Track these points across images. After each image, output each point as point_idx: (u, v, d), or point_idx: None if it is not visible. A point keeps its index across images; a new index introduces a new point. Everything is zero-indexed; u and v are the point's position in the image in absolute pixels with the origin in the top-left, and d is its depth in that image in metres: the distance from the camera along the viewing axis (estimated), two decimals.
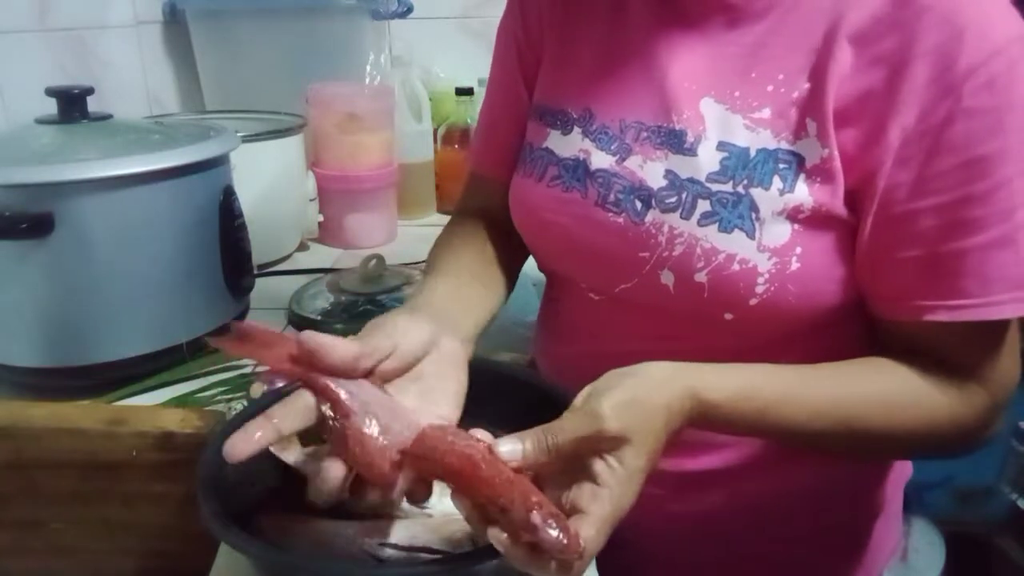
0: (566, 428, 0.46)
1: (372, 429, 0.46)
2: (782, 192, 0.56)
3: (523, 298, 0.97)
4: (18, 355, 0.79)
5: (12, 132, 0.95)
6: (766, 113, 0.58)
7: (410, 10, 1.39)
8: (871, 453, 0.67)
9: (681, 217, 0.59)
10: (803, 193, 0.56)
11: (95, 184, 0.75)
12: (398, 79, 1.36)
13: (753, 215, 0.57)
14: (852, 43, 0.55)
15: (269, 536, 0.52)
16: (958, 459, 0.66)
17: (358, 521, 0.53)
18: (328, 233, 1.29)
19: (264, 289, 1.03)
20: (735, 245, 0.57)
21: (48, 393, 0.78)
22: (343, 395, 0.47)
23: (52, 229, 0.74)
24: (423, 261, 0.73)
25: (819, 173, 0.56)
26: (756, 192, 0.57)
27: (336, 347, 0.47)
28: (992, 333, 0.57)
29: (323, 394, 0.47)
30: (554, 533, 0.41)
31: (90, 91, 0.85)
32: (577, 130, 0.66)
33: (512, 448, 0.45)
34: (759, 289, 0.57)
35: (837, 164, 0.56)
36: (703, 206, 0.58)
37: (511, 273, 0.74)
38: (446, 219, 0.81)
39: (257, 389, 0.74)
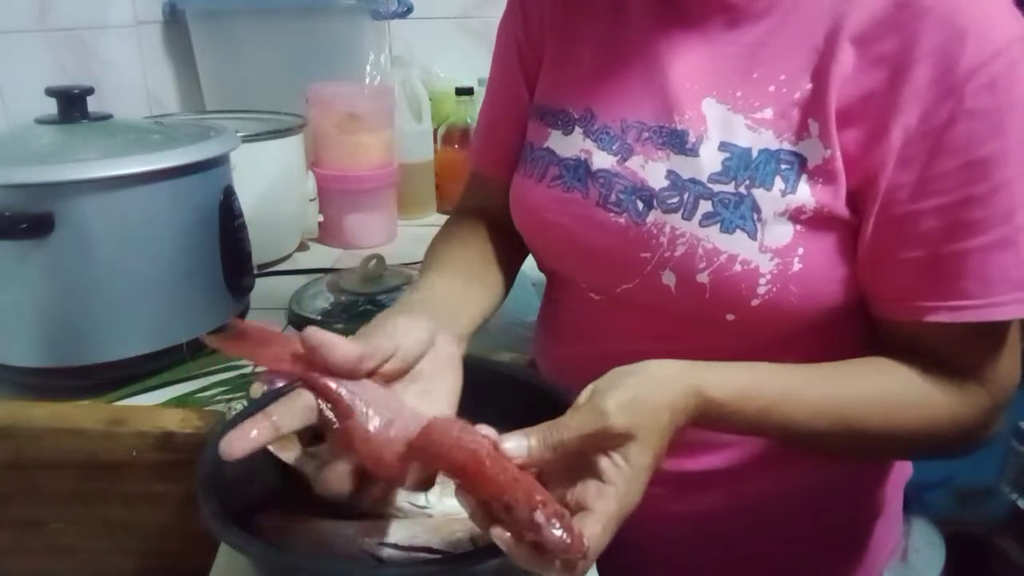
0: (571, 425, 0.46)
1: (376, 424, 0.46)
2: (784, 193, 0.56)
3: (523, 298, 0.97)
4: (18, 355, 0.79)
5: (12, 132, 0.95)
6: (768, 113, 0.58)
7: (410, 10, 1.39)
8: (872, 453, 0.67)
9: (683, 218, 0.59)
10: (805, 194, 0.56)
11: (95, 184, 0.75)
12: (398, 79, 1.36)
13: (755, 216, 0.57)
14: (854, 44, 0.55)
15: (269, 536, 0.51)
16: (958, 459, 0.66)
17: (358, 521, 0.53)
18: (328, 233, 1.29)
19: (264, 289, 1.03)
20: (737, 246, 0.57)
21: (48, 393, 0.78)
22: (344, 393, 0.47)
23: (52, 229, 0.74)
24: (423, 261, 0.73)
25: (821, 174, 0.56)
26: (758, 193, 0.57)
27: (338, 346, 0.47)
28: (993, 334, 0.57)
29: (323, 394, 0.47)
30: (558, 532, 0.40)
31: (90, 91, 0.85)
32: (578, 130, 0.66)
33: (517, 444, 0.45)
34: (761, 290, 0.57)
35: (839, 165, 0.56)
36: (705, 207, 0.58)
37: (509, 273, 0.74)
38: (446, 219, 0.81)
39: (257, 389, 0.74)
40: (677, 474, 0.66)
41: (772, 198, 0.56)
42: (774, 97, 0.58)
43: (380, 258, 1.06)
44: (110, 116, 0.86)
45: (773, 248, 0.56)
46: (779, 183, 0.57)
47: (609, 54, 0.66)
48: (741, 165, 0.58)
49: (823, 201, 0.56)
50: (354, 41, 1.39)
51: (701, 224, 0.58)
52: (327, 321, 0.95)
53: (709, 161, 0.58)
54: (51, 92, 0.83)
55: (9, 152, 0.80)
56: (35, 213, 0.73)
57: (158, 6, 1.40)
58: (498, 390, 0.58)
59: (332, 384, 0.47)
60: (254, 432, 0.44)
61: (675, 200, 0.59)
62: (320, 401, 0.47)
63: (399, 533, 0.53)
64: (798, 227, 0.57)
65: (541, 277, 0.77)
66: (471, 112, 1.38)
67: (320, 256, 1.25)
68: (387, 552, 0.52)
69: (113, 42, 1.33)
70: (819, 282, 0.58)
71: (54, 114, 0.83)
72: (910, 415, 0.56)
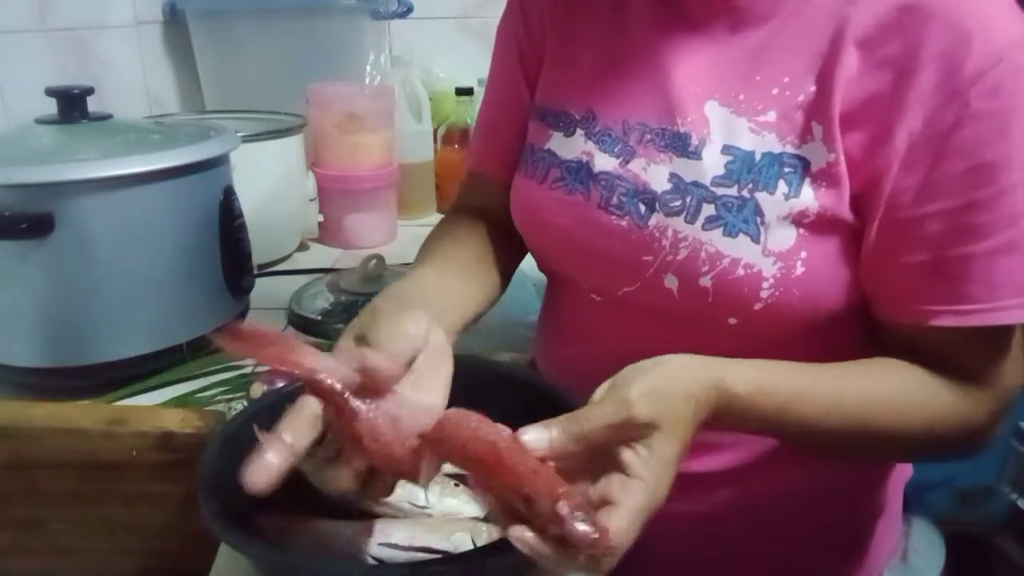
0: (594, 415, 0.44)
1: (383, 420, 0.45)
2: (787, 197, 0.56)
3: (523, 298, 0.97)
4: (18, 355, 0.79)
5: (12, 132, 0.95)
6: (771, 116, 0.57)
7: (410, 10, 1.39)
8: (881, 452, 0.67)
9: (685, 221, 0.59)
10: (808, 197, 0.56)
11: (95, 184, 0.75)
12: (398, 79, 1.36)
13: (758, 219, 0.56)
14: (858, 47, 0.55)
15: (269, 536, 0.52)
16: (959, 459, 0.66)
17: (358, 521, 0.53)
18: (328, 233, 1.29)
19: (264, 289, 1.03)
20: (740, 249, 0.57)
21: (48, 393, 0.78)
22: (347, 394, 0.46)
23: (52, 229, 0.74)
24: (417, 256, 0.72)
25: (825, 177, 0.56)
26: (761, 196, 0.57)
27: (383, 368, 0.46)
28: (998, 338, 0.56)
29: (328, 396, 0.46)
30: (583, 525, 0.38)
31: (90, 91, 0.85)
32: (580, 132, 0.66)
33: (538, 436, 0.43)
34: (764, 294, 0.57)
35: (843, 168, 0.55)
36: (707, 210, 0.58)
37: (506, 273, 0.74)
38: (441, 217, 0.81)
39: (257, 389, 0.74)
40: (678, 475, 0.66)
41: (775, 202, 0.56)
42: (777, 100, 0.57)
43: (380, 258, 1.06)
44: (110, 116, 0.87)
45: (776, 252, 0.56)
46: (782, 187, 0.56)
47: (610, 55, 0.66)
48: (744, 168, 0.57)
49: (826, 205, 0.56)
50: (354, 41, 1.39)
51: (704, 228, 0.58)
52: (327, 321, 0.95)
53: (712, 164, 0.58)
54: (51, 92, 0.83)
55: (9, 152, 0.80)
56: (35, 213, 0.73)
57: (158, 6, 1.40)
58: (498, 390, 0.58)
59: (337, 386, 0.46)
60: (274, 459, 0.42)
61: (678, 203, 0.59)
62: (324, 404, 0.46)
63: (399, 533, 0.53)
64: (801, 231, 0.56)
65: (541, 277, 0.77)
66: (471, 112, 1.38)
67: (320, 256, 1.25)
68: (387, 552, 0.52)
69: (113, 42, 1.34)
70: (822, 285, 0.57)
71: (54, 114, 0.83)
72: (920, 414, 0.56)
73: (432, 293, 0.61)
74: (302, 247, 1.27)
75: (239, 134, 0.96)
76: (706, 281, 0.58)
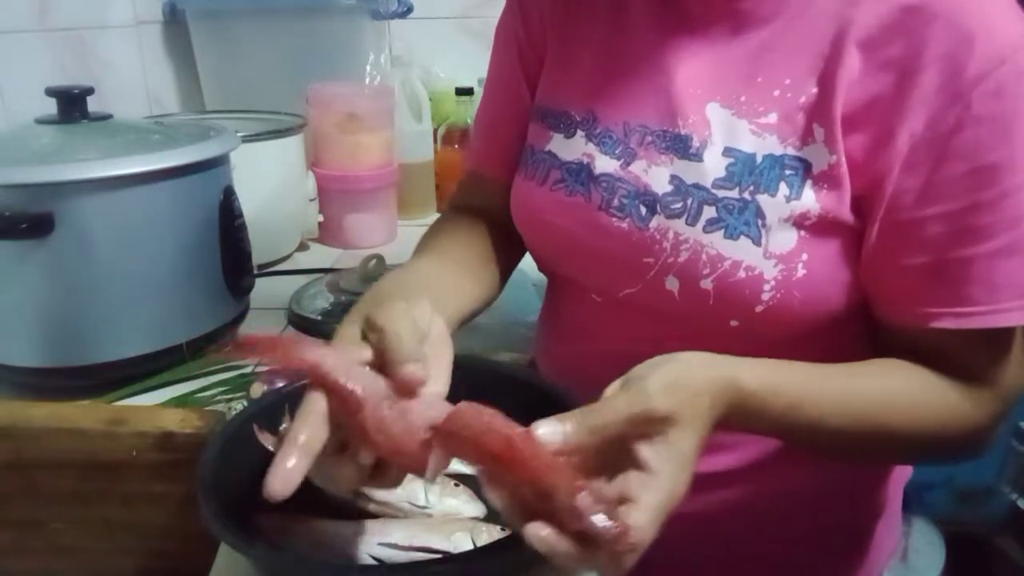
0: (610, 408, 0.43)
1: (391, 413, 0.44)
2: (788, 199, 0.56)
3: (523, 298, 0.97)
4: (18, 355, 0.79)
5: (12, 132, 0.95)
6: (772, 118, 0.57)
7: (410, 10, 1.39)
8: (885, 454, 0.66)
9: (686, 223, 0.58)
10: (810, 200, 0.56)
11: (95, 184, 0.75)
12: (398, 79, 1.36)
13: (759, 222, 0.56)
14: (860, 48, 0.54)
15: (269, 536, 0.52)
16: (960, 462, 0.66)
17: (358, 521, 0.53)
18: (328, 233, 1.29)
19: (264, 289, 1.03)
20: (741, 252, 0.57)
21: (48, 393, 0.78)
22: (354, 387, 0.45)
23: (52, 229, 0.74)
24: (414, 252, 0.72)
25: (826, 179, 0.56)
26: (762, 199, 0.57)
27: (411, 371, 0.46)
28: (999, 339, 0.56)
29: (334, 390, 0.45)
30: (603, 519, 0.37)
31: (90, 91, 0.85)
32: (580, 133, 0.66)
33: (552, 430, 0.42)
34: (765, 296, 0.57)
35: (844, 170, 0.55)
36: (709, 212, 0.58)
37: (504, 272, 0.74)
38: (439, 216, 0.81)
39: (257, 389, 0.74)
40: None
41: (776, 204, 0.56)
42: (779, 101, 0.57)
43: (380, 258, 1.06)
44: (110, 116, 0.86)
45: (777, 254, 0.56)
46: (784, 189, 0.56)
47: (610, 55, 0.66)
48: (745, 170, 0.57)
49: (828, 207, 0.56)
50: (354, 41, 1.39)
51: (705, 230, 0.58)
52: (327, 321, 0.95)
53: (713, 166, 0.58)
54: (51, 92, 0.83)
55: (9, 152, 0.80)
56: (35, 213, 0.73)
57: (158, 6, 1.40)
58: (498, 390, 0.57)
59: (341, 379, 0.45)
60: (291, 464, 0.41)
61: (679, 205, 0.59)
62: (330, 400, 0.46)
63: (399, 533, 0.53)
64: (802, 233, 0.56)
65: (541, 277, 0.77)
66: (471, 112, 1.38)
67: (320, 256, 1.25)
68: (387, 552, 0.52)
69: (113, 42, 1.34)
70: (823, 287, 0.57)
71: (54, 114, 0.83)
72: (927, 415, 0.56)
73: (430, 284, 0.61)
74: (302, 247, 1.27)
75: (239, 134, 0.96)
76: (707, 283, 0.58)
